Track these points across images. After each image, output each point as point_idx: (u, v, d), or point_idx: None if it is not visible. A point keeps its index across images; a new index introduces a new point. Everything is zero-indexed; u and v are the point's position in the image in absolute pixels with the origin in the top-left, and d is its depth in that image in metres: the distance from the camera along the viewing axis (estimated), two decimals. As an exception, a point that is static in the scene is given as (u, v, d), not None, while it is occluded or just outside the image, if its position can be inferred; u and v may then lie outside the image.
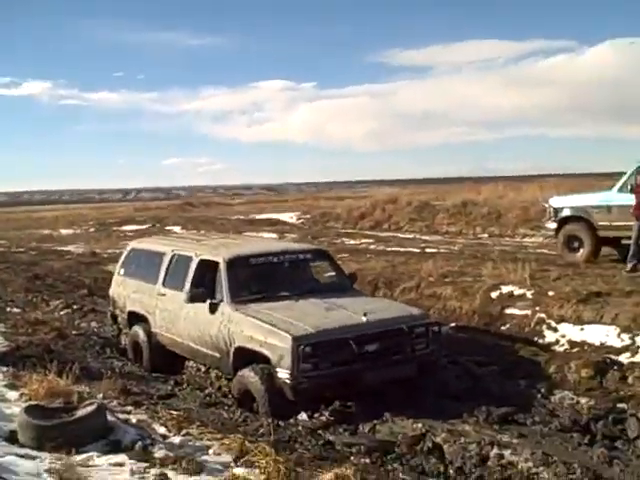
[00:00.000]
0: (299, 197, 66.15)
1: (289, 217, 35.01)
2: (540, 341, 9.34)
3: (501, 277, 11.04)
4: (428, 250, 17.58)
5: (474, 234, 23.76)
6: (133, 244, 10.89)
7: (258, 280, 8.74)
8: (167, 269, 9.53)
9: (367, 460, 6.15)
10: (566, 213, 13.65)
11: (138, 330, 9.94)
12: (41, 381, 7.45)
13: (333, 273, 9.45)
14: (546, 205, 14.30)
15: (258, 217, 36.17)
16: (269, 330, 7.51)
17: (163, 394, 8.00)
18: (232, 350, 8.00)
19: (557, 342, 9.18)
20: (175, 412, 6.85)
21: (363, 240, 21.18)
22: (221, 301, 8.32)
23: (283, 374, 7.32)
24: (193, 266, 8.98)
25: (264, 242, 10.63)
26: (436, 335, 8.13)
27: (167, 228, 30.98)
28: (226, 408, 7.59)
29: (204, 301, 8.39)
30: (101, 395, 7.50)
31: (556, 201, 14.18)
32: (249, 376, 7.57)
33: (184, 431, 6.44)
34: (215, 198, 75.52)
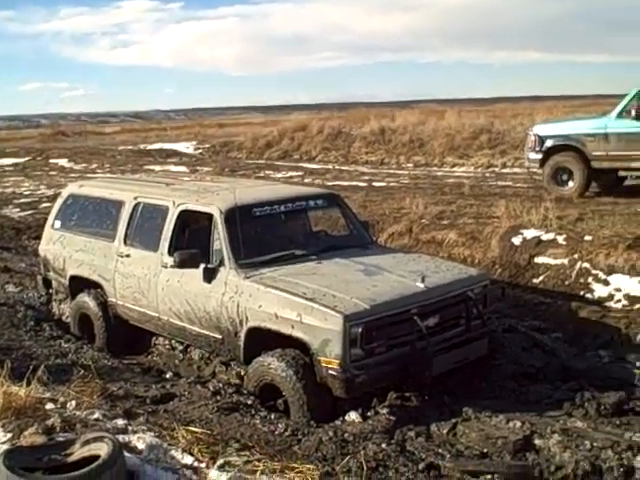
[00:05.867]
0: (178, 125, 62.78)
1: (185, 147, 32.17)
2: (589, 296, 7.88)
3: (514, 218, 9.44)
4: (376, 184, 15.84)
5: (398, 164, 22.25)
6: (72, 188, 8.42)
7: (264, 236, 6.75)
8: (129, 222, 7.35)
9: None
10: (554, 142, 12.15)
11: (87, 300, 7.76)
12: (-12, 391, 5.26)
13: (344, 223, 7.59)
14: (530, 133, 12.66)
15: (150, 147, 33.05)
16: (305, 306, 5.61)
17: (157, 395, 5.93)
18: (244, 331, 6.08)
19: (611, 297, 7.73)
20: (193, 428, 4.86)
21: (291, 173, 19.08)
22: (220, 266, 6.31)
23: (330, 365, 5.49)
24: (171, 219, 6.86)
25: (257, 185, 8.49)
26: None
27: (52, 161, 27.57)
28: (253, 412, 5.65)
29: (197, 266, 6.36)
30: (74, 403, 5.41)
31: (541, 129, 12.55)
32: (276, 367, 5.70)
33: (221, 460, 4.52)
34: (87, 126, 70.02)
